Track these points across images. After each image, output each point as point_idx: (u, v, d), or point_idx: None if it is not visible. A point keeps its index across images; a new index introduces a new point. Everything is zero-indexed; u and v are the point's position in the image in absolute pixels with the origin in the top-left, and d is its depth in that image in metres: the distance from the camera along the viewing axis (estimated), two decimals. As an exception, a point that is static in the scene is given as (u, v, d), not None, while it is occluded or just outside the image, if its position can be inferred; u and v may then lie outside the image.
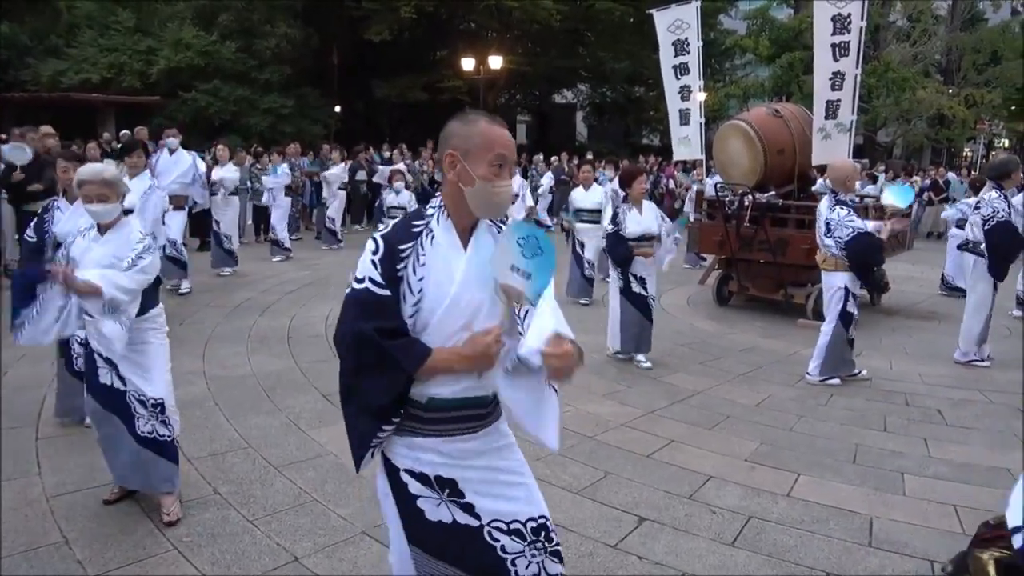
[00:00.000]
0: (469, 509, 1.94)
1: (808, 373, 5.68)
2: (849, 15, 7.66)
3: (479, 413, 1.96)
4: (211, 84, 20.81)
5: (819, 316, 7.58)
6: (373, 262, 1.83)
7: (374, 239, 1.87)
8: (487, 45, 23.73)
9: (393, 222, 1.95)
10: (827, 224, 5.47)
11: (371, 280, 1.82)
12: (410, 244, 1.85)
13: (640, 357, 5.98)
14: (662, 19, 9.75)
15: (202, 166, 8.57)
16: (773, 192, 8.32)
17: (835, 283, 5.54)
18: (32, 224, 4.26)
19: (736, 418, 4.87)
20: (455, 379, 1.88)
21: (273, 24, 21.78)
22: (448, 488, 1.94)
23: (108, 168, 3.30)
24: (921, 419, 4.96)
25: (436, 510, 1.93)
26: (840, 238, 5.36)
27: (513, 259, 1.79)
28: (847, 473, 4.03)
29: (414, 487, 1.93)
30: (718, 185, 8.70)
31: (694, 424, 4.73)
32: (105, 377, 3.23)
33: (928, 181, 17.74)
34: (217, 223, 9.38)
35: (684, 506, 3.59)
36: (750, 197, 8.00)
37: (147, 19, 22.06)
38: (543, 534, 1.99)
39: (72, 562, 2.92)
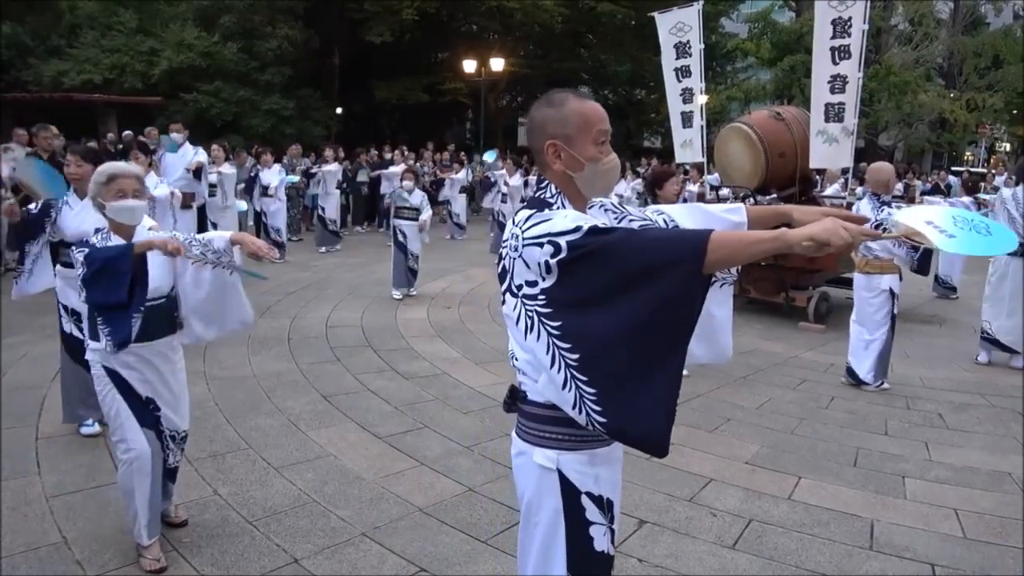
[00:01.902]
0: (612, 535, 1.83)
1: (864, 383, 5.54)
2: (850, 19, 7.66)
3: None
4: (213, 85, 20.82)
5: (820, 319, 7.61)
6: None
7: (538, 210, 1.69)
8: (488, 47, 23.75)
9: (524, 208, 1.74)
10: (875, 227, 5.33)
11: (591, 221, 1.61)
12: None
13: None
14: (664, 21, 9.75)
15: (203, 157, 8.64)
16: (775, 195, 8.32)
17: (880, 286, 5.45)
18: (38, 204, 4.10)
19: (737, 421, 4.86)
20: None
21: (274, 26, 21.79)
22: (611, 512, 1.81)
23: (134, 164, 3.24)
24: (922, 423, 4.95)
25: (602, 539, 1.79)
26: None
27: (938, 220, 1.65)
28: (848, 476, 4.02)
29: (591, 512, 1.76)
30: (715, 185, 8.70)
31: (694, 427, 4.72)
32: (153, 407, 3.02)
33: (929, 185, 17.77)
34: (214, 225, 9.40)
35: (685, 509, 3.58)
36: (751, 200, 7.99)
37: (149, 20, 22.06)
38: None
39: (71, 562, 2.92)
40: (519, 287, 1.66)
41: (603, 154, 1.76)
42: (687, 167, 13.60)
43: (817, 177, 12.11)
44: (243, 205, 10.59)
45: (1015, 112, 25.50)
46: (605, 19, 24.79)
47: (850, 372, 5.66)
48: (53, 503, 3.38)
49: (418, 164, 15.87)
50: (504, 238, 1.72)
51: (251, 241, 2.86)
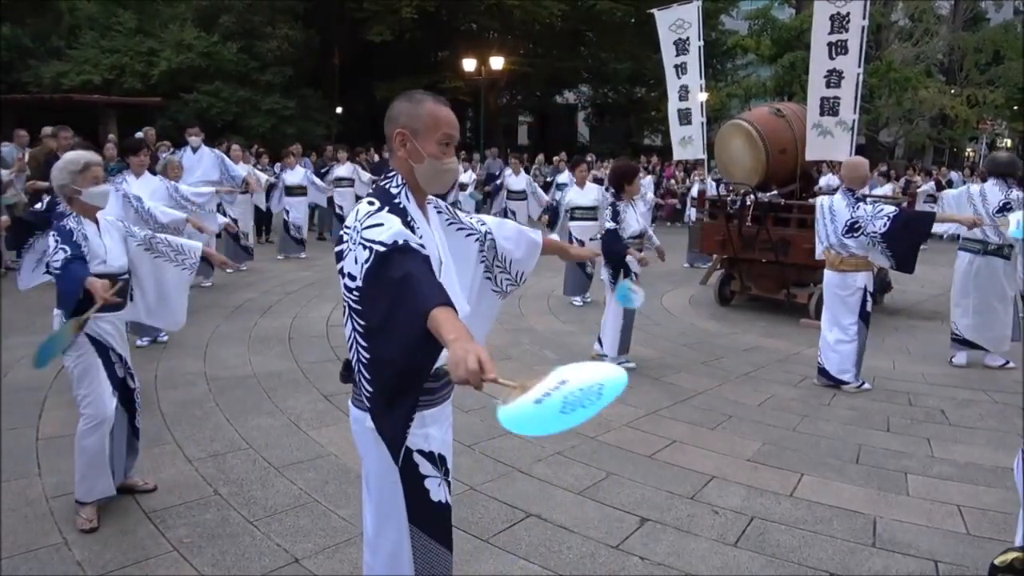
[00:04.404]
0: (448, 487, 2.01)
1: (845, 383, 5.44)
2: (848, 14, 7.65)
3: None
4: (212, 85, 20.82)
5: (821, 316, 7.59)
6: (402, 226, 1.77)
7: (378, 207, 1.81)
8: (488, 46, 23.76)
9: (369, 197, 1.89)
10: (851, 224, 5.24)
11: (408, 238, 1.74)
12: (407, 218, 1.85)
13: (624, 358, 5.88)
14: (663, 19, 9.75)
15: (233, 167, 8.75)
16: (775, 191, 8.31)
17: (856, 284, 5.37)
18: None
19: (739, 418, 4.85)
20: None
21: (274, 26, 21.82)
22: (444, 466, 1.99)
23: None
24: (924, 419, 4.93)
25: (437, 490, 1.97)
26: (875, 232, 5.11)
27: (560, 381, 1.48)
28: (850, 473, 4.01)
29: (425, 467, 1.95)
30: (721, 181, 8.68)
31: (696, 424, 4.71)
32: (120, 372, 3.34)
33: (931, 182, 17.73)
34: (234, 220, 9.44)
35: (686, 506, 3.57)
36: (752, 197, 7.98)
37: (148, 20, 22.08)
38: None
39: (71, 563, 2.91)
40: (343, 274, 1.78)
41: (445, 155, 1.92)
42: (687, 164, 13.60)
43: (835, 177, 12.08)
44: (221, 218, 9.57)
45: (1015, 108, 25.47)
46: (605, 17, 24.76)
47: (824, 373, 5.54)
48: (53, 504, 3.37)
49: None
50: (347, 222, 1.83)
51: (213, 255, 3.73)
